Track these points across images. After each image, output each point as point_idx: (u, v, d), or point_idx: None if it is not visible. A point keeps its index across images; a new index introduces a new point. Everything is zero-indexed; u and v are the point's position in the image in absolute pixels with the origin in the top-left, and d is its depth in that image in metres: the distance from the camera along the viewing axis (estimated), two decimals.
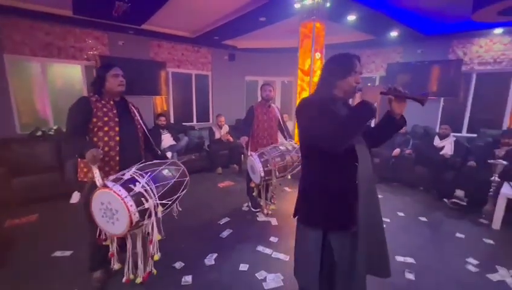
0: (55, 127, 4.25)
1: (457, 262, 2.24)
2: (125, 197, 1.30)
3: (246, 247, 2.39)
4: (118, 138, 1.64)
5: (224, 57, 6.26)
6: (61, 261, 2.14)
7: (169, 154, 4.25)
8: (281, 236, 2.59)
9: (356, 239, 1.15)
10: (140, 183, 1.38)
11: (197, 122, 6.20)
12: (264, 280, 1.96)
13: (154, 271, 1.63)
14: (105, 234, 1.50)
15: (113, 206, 1.32)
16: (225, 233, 2.63)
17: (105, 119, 1.62)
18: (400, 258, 2.25)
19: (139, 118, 1.84)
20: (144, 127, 1.87)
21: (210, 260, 2.19)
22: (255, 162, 2.68)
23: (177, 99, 5.92)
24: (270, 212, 3.04)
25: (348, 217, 1.17)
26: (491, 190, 3.03)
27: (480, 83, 4.86)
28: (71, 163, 3.37)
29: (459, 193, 3.42)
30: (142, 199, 1.36)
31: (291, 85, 6.89)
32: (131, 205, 1.30)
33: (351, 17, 3.83)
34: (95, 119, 1.60)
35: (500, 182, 3.00)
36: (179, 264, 2.11)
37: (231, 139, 5.01)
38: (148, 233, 1.50)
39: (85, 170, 1.63)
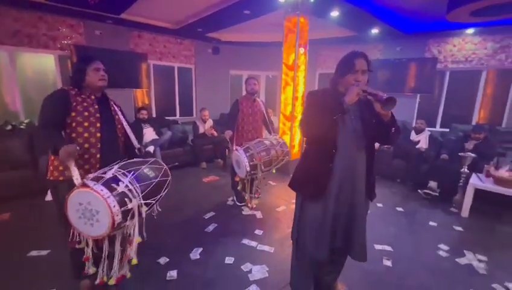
0: (26, 121, 4.00)
1: (430, 248, 2.40)
2: (108, 197, 1.22)
3: (231, 240, 2.42)
4: (99, 135, 1.56)
5: (208, 50, 6.15)
6: (39, 261, 2.05)
7: (151, 148, 4.15)
8: (266, 229, 2.64)
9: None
10: (123, 182, 1.32)
11: (180, 116, 6.08)
12: (250, 271, 1.99)
13: (128, 275, 1.50)
14: (78, 236, 1.38)
15: (93, 206, 1.24)
16: (210, 227, 2.64)
17: (86, 114, 1.53)
18: (378, 247, 2.37)
19: (120, 116, 1.76)
20: (126, 126, 1.78)
21: (195, 254, 2.19)
22: (240, 156, 2.68)
23: (159, 92, 5.76)
24: (254, 206, 3.07)
25: (317, 191, 1.37)
26: (461, 180, 3.25)
27: (453, 80, 5.14)
28: (46, 158, 3.20)
29: (432, 184, 3.63)
30: (126, 199, 1.30)
31: (276, 80, 6.91)
32: (114, 206, 1.23)
33: (335, 13, 3.89)
34: (73, 114, 1.50)
35: (469, 173, 3.22)
36: (163, 260, 2.09)
37: (215, 133, 4.97)
38: (129, 234, 1.42)
39: (61, 168, 1.53)
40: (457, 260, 2.23)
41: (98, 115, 1.57)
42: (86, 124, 1.53)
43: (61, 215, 1.34)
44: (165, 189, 1.59)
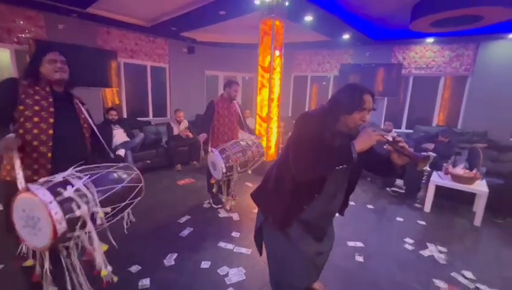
0: None
1: (397, 242, 2.55)
2: (50, 202, 1.09)
3: (207, 244, 2.37)
4: (51, 132, 1.40)
5: (182, 49, 6.00)
6: None
7: (122, 151, 3.94)
8: (243, 230, 2.62)
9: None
10: (73, 186, 1.17)
11: (153, 117, 5.85)
12: (227, 275, 1.97)
13: (115, 278, 1.41)
14: (26, 251, 1.22)
15: (35, 213, 1.11)
16: (185, 232, 2.56)
17: (36, 108, 1.37)
18: (351, 243, 2.47)
19: (87, 116, 1.61)
20: (94, 127, 1.64)
21: (170, 260, 2.11)
22: (216, 158, 2.65)
23: (130, 92, 5.49)
24: (231, 208, 3.04)
25: (278, 224, 1.23)
26: (424, 178, 3.51)
27: (416, 85, 5.55)
28: None
29: (399, 182, 3.88)
30: (73, 205, 1.15)
31: (252, 81, 6.94)
32: (56, 213, 1.09)
33: (308, 18, 4.00)
34: (21, 107, 1.35)
35: (431, 172, 3.48)
36: (135, 268, 1.99)
37: (191, 135, 4.86)
38: (81, 247, 1.25)
39: (8, 167, 1.37)
40: (421, 252, 2.40)
41: (51, 109, 1.41)
42: (35, 119, 1.37)
43: (9, 222, 1.18)
44: (136, 196, 1.45)
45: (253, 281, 1.92)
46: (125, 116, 5.31)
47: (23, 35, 3.90)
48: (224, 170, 2.63)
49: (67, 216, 1.12)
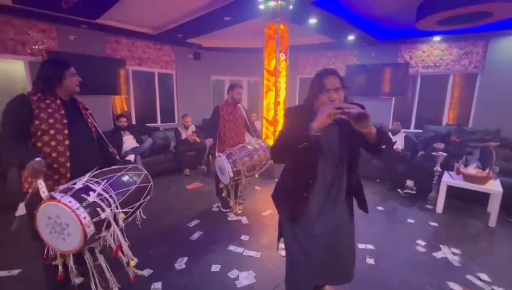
0: None
1: (409, 244, 2.51)
2: (77, 208, 1.15)
3: (217, 248, 2.38)
4: (67, 142, 1.46)
5: (188, 55, 6.10)
6: (8, 282, 1.90)
7: (131, 157, 4.02)
8: (252, 234, 2.63)
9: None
10: (95, 191, 1.25)
11: (161, 123, 5.95)
12: (237, 278, 1.98)
13: (140, 272, 1.52)
14: (54, 252, 1.31)
15: (62, 220, 1.17)
16: (195, 235, 2.59)
17: (51, 121, 1.43)
18: (361, 246, 2.44)
19: (92, 120, 1.67)
20: (99, 130, 1.71)
21: (180, 264, 2.14)
22: (223, 163, 2.66)
23: (139, 99, 5.61)
24: (240, 211, 3.05)
25: (293, 217, 1.30)
26: (435, 179, 3.44)
27: (424, 84, 5.47)
28: (13, 170, 2.99)
29: (410, 182, 3.82)
30: (98, 209, 1.22)
31: (258, 85, 6.98)
32: (84, 217, 1.16)
33: (313, 20, 4.02)
34: (37, 122, 1.40)
35: (442, 172, 3.42)
36: (147, 272, 2.02)
37: (198, 139, 4.91)
38: (108, 246, 1.35)
39: (30, 179, 1.43)
40: (434, 254, 2.35)
41: (65, 121, 1.47)
42: (51, 131, 1.43)
43: (33, 230, 1.26)
44: (146, 195, 1.53)
45: (263, 284, 1.92)
46: (134, 122, 5.42)
47: (36, 47, 4.05)
48: (231, 175, 2.64)
49: (94, 219, 1.20)
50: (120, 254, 1.39)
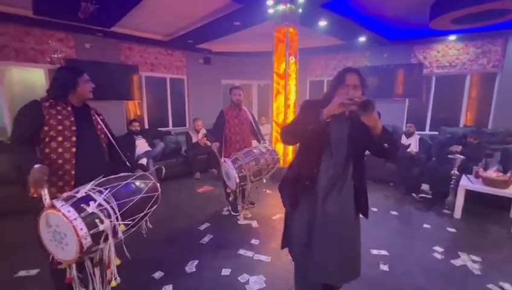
0: None
1: (425, 251, 2.41)
2: (75, 219, 1.13)
3: (227, 251, 2.38)
4: (74, 149, 1.46)
5: (199, 60, 6.20)
6: (27, 282, 1.98)
7: (144, 160, 4.10)
8: (262, 238, 2.61)
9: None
10: (96, 201, 1.21)
11: (173, 127, 6.05)
12: (247, 282, 1.96)
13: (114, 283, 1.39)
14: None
15: (61, 229, 1.15)
16: (206, 239, 2.60)
17: (59, 128, 1.43)
18: (374, 251, 2.37)
19: (103, 126, 1.66)
20: (110, 136, 1.68)
21: (191, 267, 2.15)
22: (229, 168, 2.63)
23: (151, 104, 5.74)
24: (249, 215, 3.04)
25: (287, 202, 1.38)
26: (452, 182, 3.31)
27: (440, 84, 5.31)
28: None
29: (425, 186, 3.69)
30: (97, 220, 1.19)
31: (268, 88, 6.99)
32: (81, 229, 1.13)
33: (322, 23, 4.00)
34: (46, 128, 1.40)
35: (459, 175, 3.29)
36: (158, 274, 2.04)
37: (209, 143, 4.96)
38: (102, 259, 1.31)
39: (32, 187, 1.44)
40: (452, 261, 2.25)
41: (73, 128, 1.47)
42: (59, 138, 1.43)
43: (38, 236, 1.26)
44: (153, 205, 1.48)
45: (273, 288, 1.90)
46: (146, 126, 5.54)
47: (55, 56, 4.23)
48: (237, 180, 2.60)
49: (91, 231, 1.16)
50: (109, 269, 1.33)
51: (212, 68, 6.33)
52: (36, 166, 1.26)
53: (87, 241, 1.15)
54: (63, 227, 1.15)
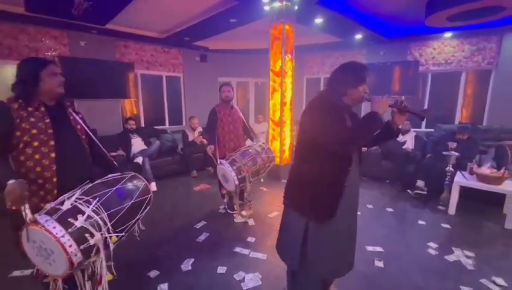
0: None
1: (419, 247, 2.44)
2: (62, 236, 1.02)
3: (223, 249, 2.39)
4: (53, 155, 1.28)
5: (195, 58, 6.16)
6: (22, 282, 1.96)
7: (139, 159, 4.08)
8: (258, 236, 2.62)
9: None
10: (83, 215, 1.10)
11: (169, 125, 6.02)
12: (243, 280, 1.97)
13: None
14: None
15: (47, 246, 1.05)
16: (202, 237, 2.60)
17: (34, 132, 1.24)
18: (369, 248, 2.39)
19: (83, 125, 1.47)
20: (92, 135, 1.51)
21: (187, 265, 2.15)
22: (227, 170, 2.56)
23: (147, 102, 5.70)
24: (249, 218, 3.04)
25: (328, 212, 1.28)
26: (447, 179, 3.34)
27: (435, 82, 5.33)
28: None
29: (420, 183, 3.72)
30: (86, 234, 1.09)
31: (265, 86, 6.97)
32: (70, 245, 1.03)
33: (319, 20, 3.99)
34: (18, 133, 1.21)
35: (454, 172, 3.31)
36: (153, 273, 2.04)
37: (205, 141, 4.94)
38: (94, 272, 1.23)
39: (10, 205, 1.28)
40: (446, 257, 2.27)
41: (50, 130, 1.28)
42: (35, 143, 1.24)
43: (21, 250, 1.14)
44: (145, 208, 1.39)
45: (269, 286, 1.91)
46: (143, 125, 5.51)
47: (49, 54, 4.18)
48: (236, 183, 2.56)
49: (81, 247, 1.07)
50: (99, 285, 1.26)
51: (208, 66, 6.29)
52: (11, 181, 1.08)
53: (78, 257, 1.07)
54: (49, 244, 1.05)
